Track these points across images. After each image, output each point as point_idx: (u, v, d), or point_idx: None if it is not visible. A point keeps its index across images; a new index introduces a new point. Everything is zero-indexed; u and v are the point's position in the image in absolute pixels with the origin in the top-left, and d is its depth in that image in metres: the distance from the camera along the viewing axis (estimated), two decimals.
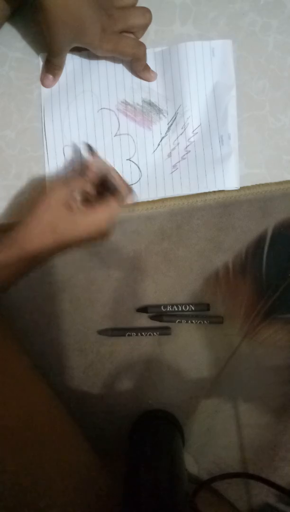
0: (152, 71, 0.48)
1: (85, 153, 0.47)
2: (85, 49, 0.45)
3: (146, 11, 0.44)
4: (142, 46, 0.45)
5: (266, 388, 0.52)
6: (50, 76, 0.47)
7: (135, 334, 0.50)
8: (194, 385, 0.52)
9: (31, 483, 0.35)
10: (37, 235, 0.38)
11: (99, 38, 0.42)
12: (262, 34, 0.48)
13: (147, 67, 0.47)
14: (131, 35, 0.45)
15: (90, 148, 0.44)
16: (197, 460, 0.53)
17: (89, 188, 0.42)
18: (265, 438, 0.53)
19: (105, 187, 0.42)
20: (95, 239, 0.41)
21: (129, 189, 0.43)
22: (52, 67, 0.46)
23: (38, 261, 0.39)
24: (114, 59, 0.47)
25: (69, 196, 0.40)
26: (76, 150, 0.48)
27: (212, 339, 0.51)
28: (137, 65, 0.46)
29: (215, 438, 0.53)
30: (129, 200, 0.43)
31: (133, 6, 0.44)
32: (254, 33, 0.48)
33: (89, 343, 0.51)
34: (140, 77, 0.48)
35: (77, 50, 0.47)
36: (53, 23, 0.40)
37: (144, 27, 0.45)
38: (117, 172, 0.42)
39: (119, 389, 0.52)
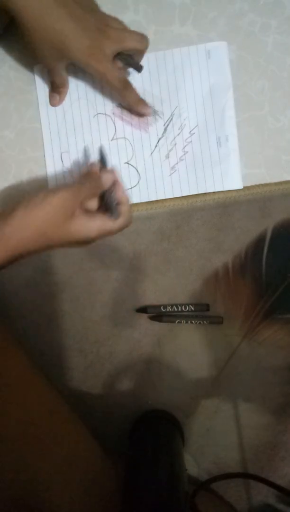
0: (148, 105, 0.46)
1: (90, 158, 0.46)
2: None
3: (143, 37, 0.42)
4: (129, 88, 0.44)
5: (266, 388, 0.52)
6: (56, 95, 0.47)
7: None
8: (194, 385, 0.52)
9: (31, 478, 0.36)
10: (24, 238, 0.35)
11: (87, 54, 0.40)
12: (261, 34, 0.48)
13: (141, 101, 0.45)
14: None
15: (102, 158, 0.42)
16: (197, 460, 0.53)
17: (95, 199, 0.40)
18: (265, 438, 0.53)
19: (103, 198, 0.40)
20: (80, 245, 0.39)
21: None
22: (54, 86, 0.46)
23: (16, 258, 0.36)
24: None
25: (77, 205, 0.37)
26: (75, 157, 0.48)
27: (212, 339, 0.51)
28: (125, 99, 0.45)
29: (215, 438, 0.53)
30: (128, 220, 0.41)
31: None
32: (254, 33, 0.48)
33: (89, 344, 0.51)
34: (134, 111, 0.47)
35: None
36: (33, 39, 0.39)
37: (140, 52, 0.43)
38: (123, 187, 0.41)
39: (118, 389, 0.52)
